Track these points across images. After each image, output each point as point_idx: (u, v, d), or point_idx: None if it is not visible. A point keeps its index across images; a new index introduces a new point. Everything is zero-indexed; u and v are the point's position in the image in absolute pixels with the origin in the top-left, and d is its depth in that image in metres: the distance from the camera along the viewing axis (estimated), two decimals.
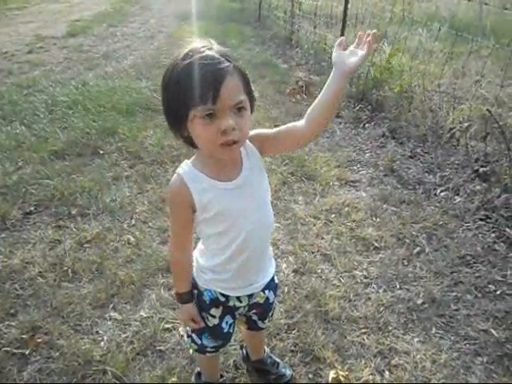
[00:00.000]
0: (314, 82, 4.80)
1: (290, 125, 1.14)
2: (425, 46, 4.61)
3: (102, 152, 3.31)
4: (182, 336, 1.81)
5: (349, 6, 4.78)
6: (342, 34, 4.77)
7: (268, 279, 1.30)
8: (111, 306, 1.98)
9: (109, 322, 1.90)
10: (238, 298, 1.25)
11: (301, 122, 1.12)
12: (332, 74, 1.07)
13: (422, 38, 5.21)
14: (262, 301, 1.32)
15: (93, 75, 5.16)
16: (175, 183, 1.09)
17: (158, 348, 1.77)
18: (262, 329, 1.49)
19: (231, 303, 1.26)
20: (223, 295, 1.24)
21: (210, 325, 1.29)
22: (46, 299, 2.00)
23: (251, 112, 1.06)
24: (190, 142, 1.06)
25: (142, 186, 2.90)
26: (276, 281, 1.38)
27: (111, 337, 1.82)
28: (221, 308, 1.26)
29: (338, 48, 1.06)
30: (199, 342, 1.33)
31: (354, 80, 4.53)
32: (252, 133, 1.12)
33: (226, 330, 1.31)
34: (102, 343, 1.79)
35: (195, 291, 1.27)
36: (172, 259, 1.24)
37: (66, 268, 2.19)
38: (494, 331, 1.88)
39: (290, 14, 6.95)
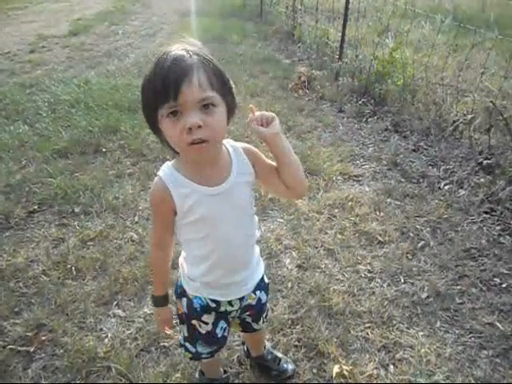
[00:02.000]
0: (316, 77, 4.77)
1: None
2: (428, 39, 4.58)
3: (104, 150, 3.32)
4: None
5: (350, 0, 4.75)
6: (344, 29, 4.74)
7: (257, 280, 1.28)
8: (115, 303, 1.98)
9: (113, 319, 1.90)
10: (230, 303, 1.23)
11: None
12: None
13: (424, 30, 5.18)
14: (254, 302, 1.30)
15: (95, 73, 5.17)
16: (156, 186, 1.07)
17: (161, 344, 1.77)
18: (258, 330, 1.45)
19: (223, 308, 1.24)
20: (214, 301, 1.21)
21: (203, 332, 1.26)
22: (50, 297, 2.01)
23: (232, 110, 1.03)
24: (169, 145, 1.04)
25: (145, 183, 2.90)
26: (266, 280, 1.36)
27: (115, 334, 1.82)
28: (213, 314, 1.24)
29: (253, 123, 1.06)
30: (193, 349, 1.31)
31: (356, 74, 4.50)
32: (249, 147, 1.13)
33: (220, 335, 1.29)
34: (106, 340, 1.79)
35: (185, 299, 1.25)
36: (151, 258, 1.24)
37: (69, 266, 2.20)
38: (499, 324, 1.87)
39: (291, 9, 6.92)
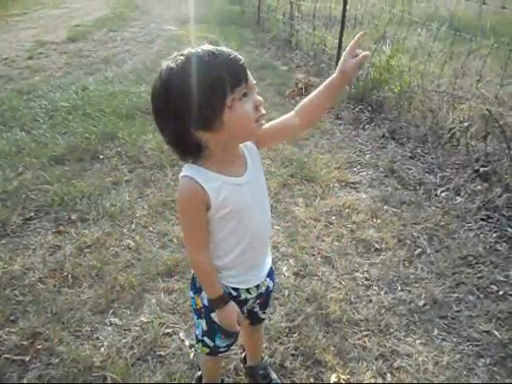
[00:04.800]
0: (314, 84, 4.78)
1: (283, 118, 1.22)
2: (424, 46, 4.61)
3: (101, 157, 3.32)
4: (183, 340, 1.81)
5: (347, 7, 4.78)
6: (341, 36, 4.77)
7: (269, 266, 1.32)
8: (111, 311, 1.97)
9: (109, 328, 1.89)
10: (248, 290, 1.25)
11: (292, 115, 1.22)
12: (336, 73, 1.16)
13: (421, 38, 5.21)
14: (264, 290, 1.32)
15: (93, 80, 5.17)
16: (187, 186, 1.06)
17: (158, 353, 1.76)
18: (263, 320, 1.50)
19: (243, 296, 1.25)
20: (235, 289, 1.23)
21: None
22: (46, 305, 1.99)
23: None
24: (195, 151, 1.05)
25: (142, 190, 2.90)
26: (273, 268, 1.39)
27: (111, 342, 1.81)
28: None
29: (348, 55, 1.14)
30: (211, 344, 1.31)
31: (353, 81, 4.52)
32: None
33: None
34: (102, 349, 1.78)
35: (204, 292, 1.24)
36: (196, 265, 1.19)
37: (66, 273, 2.19)
38: (496, 332, 1.87)
39: (289, 16, 6.96)
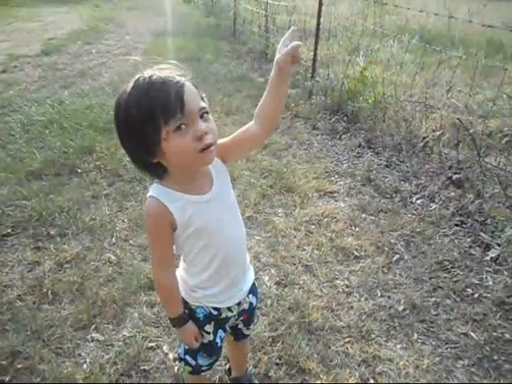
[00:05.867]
0: (290, 95, 4.86)
1: (243, 129, 1.21)
2: (396, 58, 4.75)
3: (80, 171, 3.29)
4: (167, 354, 1.80)
5: (321, 20, 4.88)
6: (316, 48, 4.86)
7: (250, 283, 1.32)
8: (93, 326, 1.95)
9: (91, 344, 1.87)
10: (229, 309, 1.26)
11: (251, 124, 1.19)
12: (273, 69, 1.12)
13: (393, 49, 5.37)
14: (247, 306, 1.33)
15: (69, 93, 5.13)
16: (152, 206, 1.08)
17: (142, 368, 1.75)
18: (247, 336, 1.50)
19: (223, 315, 1.26)
20: (215, 309, 1.24)
21: (206, 341, 1.28)
22: (26, 323, 1.95)
23: None
24: (157, 171, 1.07)
25: (122, 203, 2.88)
26: (255, 284, 1.39)
27: (94, 358, 1.79)
28: (213, 323, 1.26)
29: (282, 48, 1.09)
30: (194, 362, 1.31)
31: (329, 92, 4.62)
32: None
33: (219, 345, 1.31)
34: (85, 365, 1.76)
35: (186, 311, 1.24)
36: (160, 283, 1.20)
37: (45, 290, 2.15)
38: (473, 334, 1.93)
39: (264, 29, 7.06)
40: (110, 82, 5.59)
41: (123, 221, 2.71)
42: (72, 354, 1.82)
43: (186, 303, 1.25)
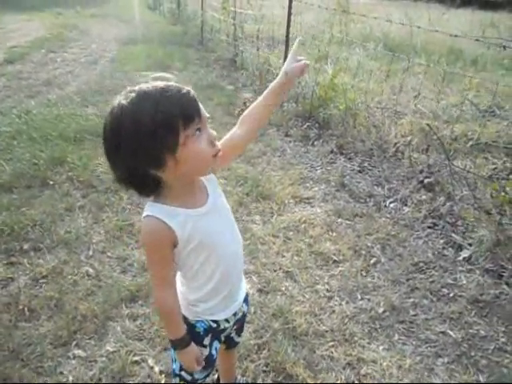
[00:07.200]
0: None
1: (227, 136, 1.24)
2: (363, 65, 4.88)
3: (51, 183, 3.20)
4: (152, 367, 1.78)
5: (290, 29, 4.97)
6: (286, 56, 4.94)
7: (245, 293, 1.34)
8: (74, 343, 1.90)
9: (73, 361, 1.82)
10: (227, 320, 1.26)
11: (235, 130, 1.25)
12: (280, 75, 1.23)
13: (360, 57, 5.51)
14: (241, 315, 1.34)
15: (35, 103, 4.99)
16: (152, 226, 1.04)
17: (127, 383, 1.73)
18: (238, 343, 1.50)
19: (222, 326, 1.26)
20: (214, 321, 1.23)
21: (203, 356, 1.25)
22: (2, 342, 1.89)
23: None
24: (153, 187, 1.04)
25: (97, 215, 2.83)
26: (248, 292, 1.40)
27: (77, 376, 1.75)
28: (210, 335, 1.25)
29: (292, 60, 1.22)
30: (189, 377, 1.28)
31: (300, 99, 4.69)
32: None
33: (214, 357, 1.30)
34: None
35: (184, 326, 1.20)
36: (161, 303, 1.16)
37: (21, 307, 2.08)
38: (451, 332, 2.00)
39: (232, 37, 7.10)
40: (78, 91, 5.48)
41: (99, 233, 2.66)
42: (54, 373, 1.77)
43: (185, 319, 1.22)
